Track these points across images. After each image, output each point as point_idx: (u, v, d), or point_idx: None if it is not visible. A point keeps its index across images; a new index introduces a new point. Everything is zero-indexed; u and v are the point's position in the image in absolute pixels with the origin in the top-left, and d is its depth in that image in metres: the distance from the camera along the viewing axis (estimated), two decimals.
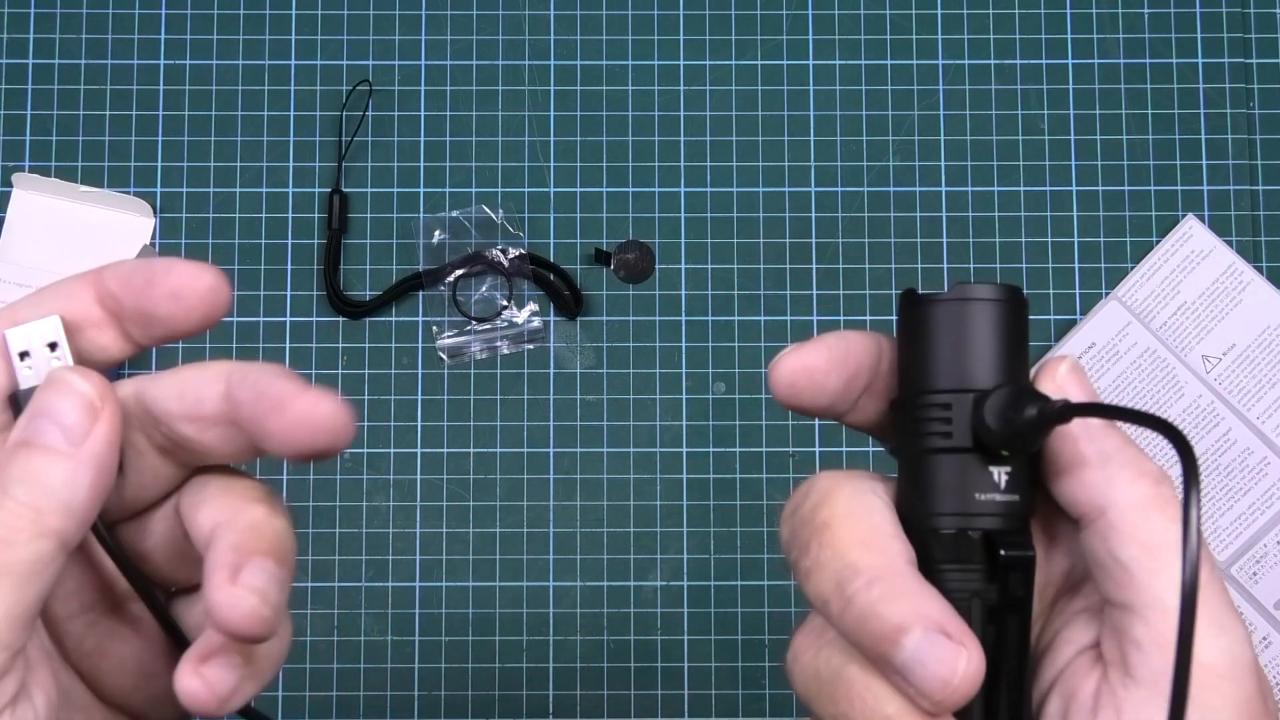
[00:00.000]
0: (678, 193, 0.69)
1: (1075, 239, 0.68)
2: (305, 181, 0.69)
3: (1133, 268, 0.68)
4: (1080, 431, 0.28)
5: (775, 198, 0.69)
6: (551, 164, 0.69)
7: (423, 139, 0.69)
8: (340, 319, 0.68)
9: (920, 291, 0.29)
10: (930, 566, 0.28)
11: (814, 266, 0.68)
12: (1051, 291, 0.68)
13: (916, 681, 0.26)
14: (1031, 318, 0.67)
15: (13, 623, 0.26)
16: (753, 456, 0.67)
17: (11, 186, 0.67)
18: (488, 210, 0.68)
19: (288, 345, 0.68)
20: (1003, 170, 0.69)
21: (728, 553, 0.66)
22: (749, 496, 0.67)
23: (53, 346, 0.29)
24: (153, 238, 0.68)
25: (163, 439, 0.29)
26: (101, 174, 0.69)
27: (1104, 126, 0.69)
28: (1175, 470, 0.26)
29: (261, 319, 0.68)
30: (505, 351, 0.68)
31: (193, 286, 0.32)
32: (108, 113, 0.69)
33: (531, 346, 0.68)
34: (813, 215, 0.69)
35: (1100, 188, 0.69)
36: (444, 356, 0.68)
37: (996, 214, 0.69)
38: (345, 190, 0.68)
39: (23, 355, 0.29)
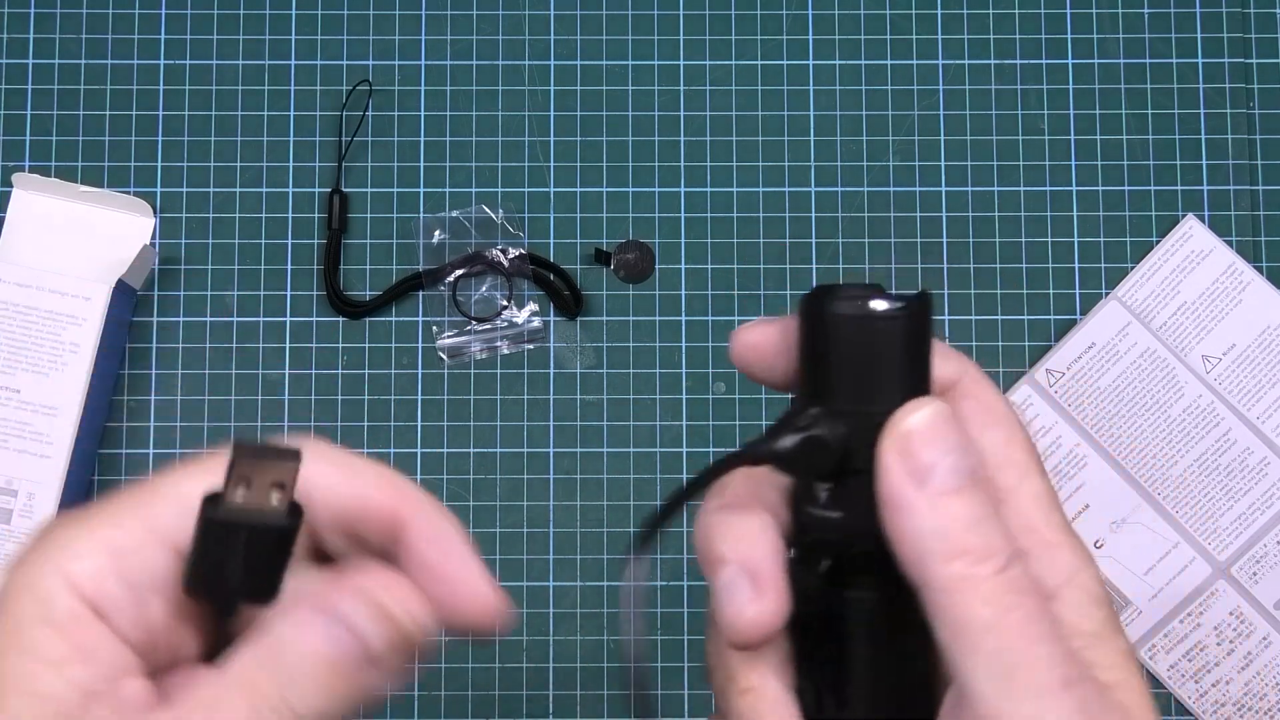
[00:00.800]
0: (678, 193, 0.69)
1: (1075, 239, 0.68)
2: (305, 181, 0.69)
3: (1133, 268, 0.68)
4: (909, 501, 0.27)
5: (775, 198, 0.69)
6: (551, 164, 0.69)
7: (423, 139, 0.69)
8: (340, 319, 0.68)
9: (817, 290, 0.29)
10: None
11: (814, 266, 0.68)
12: (1051, 291, 0.68)
13: (719, 612, 0.28)
14: (1032, 318, 0.68)
15: None
16: None
17: (11, 186, 0.67)
18: (488, 210, 0.68)
19: (288, 345, 0.68)
20: (1003, 170, 0.69)
21: None
22: None
23: (280, 487, 0.27)
24: (153, 238, 0.68)
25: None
26: (101, 174, 0.69)
27: (1104, 126, 0.69)
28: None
29: (261, 319, 0.68)
30: (505, 351, 0.68)
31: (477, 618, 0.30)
32: (108, 113, 0.69)
33: (531, 346, 0.68)
34: (813, 215, 0.69)
35: (1100, 188, 0.69)
36: (444, 356, 0.68)
37: (996, 214, 0.69)
38: (345, 190, 0.68)
39: (242, 479, 0.26)
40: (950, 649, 0.26)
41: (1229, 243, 0.68)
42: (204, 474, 0.27)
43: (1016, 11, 0.70)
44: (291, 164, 0.69)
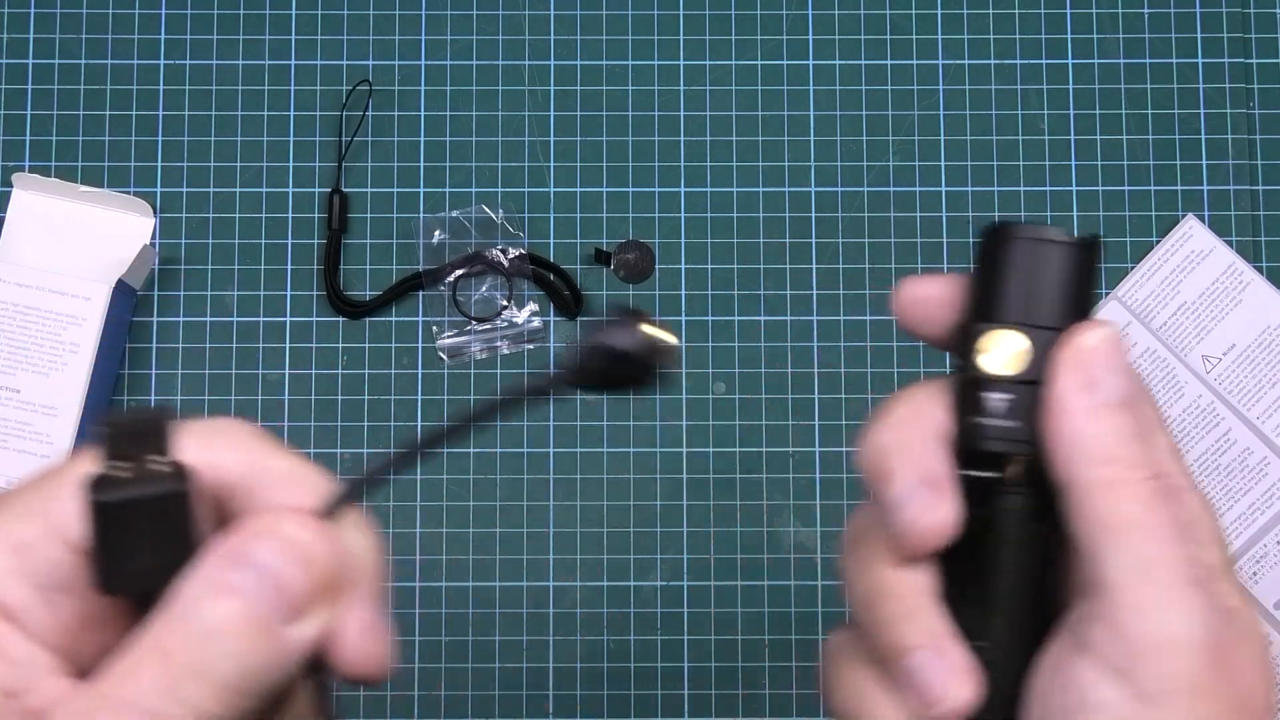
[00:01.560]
0: (678, 193, 0.69)
1: None
2: (305, 181, 0.69)
3: (1133, 268, 0.68)
4: (1074, 406, 0.28)
5: (775, 198, 0.69)
6: (551, 164, 0.69)
7: (423, 139, 0.69)
8: (340, 319, 0.68)
9: (998, 223, 0.31)
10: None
11: (814, 266, 0.68)
12: None
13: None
14: None
15: None
16: (753, 456, 0.67)
17: (11, 186, 0.67)
18: (488, 210, 0.68)
19: (288, 345, 0.68)
20: (1003, 170, 0.69)
21: (728, 553, 0.66)
22: (749, 496, 0.67)
23: (159, 452, 0.25)
24: (153, 238, 0.68)
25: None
26: (101, 174, 0.69)
27: (1104, 126, 0.69)
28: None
29: (261, 319, 0.68)
30: (505, 351, 0.68)
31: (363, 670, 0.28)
32: (108, 113, 0.69)
33: (531, 346, 0.68)
34: (813, 215, 0.69)
35: (1100, 188, 0.69)
36: (444, 356, 0.68)
37: (996, 214, 0.69)
38: (345, 190, 0.68)
39: (118, 456, 0.25)
40: (1093, 544, 0.28)
41: (1229, 243, 0.68)
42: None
43: (1016, 11, 0.70)
44: (291, 164, 0.69)
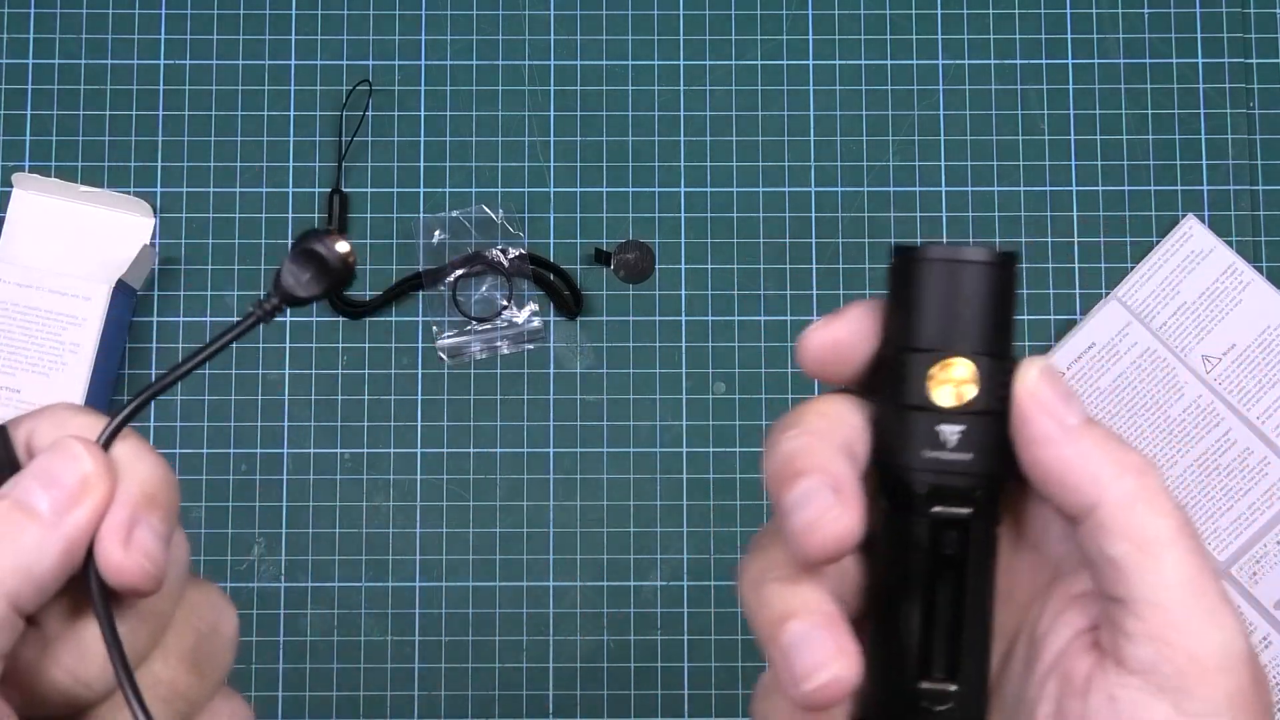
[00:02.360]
0: (678, 193, 0.69)
1: (1075, 239, 0.68)
2: (305, 181, 0.69)
3: (1133, 268, 0.68)
4: (1058, 435, 0.28)
5: (775, 198, 0.69)
6: (551, 164, 0.69)
7: (423, 139, 0.69)
8: (340, 319, 0.68)
9: (911, 246, 0.30)
10: (882, 507, 0.30)
11: (814, 266, 0.68)
12: (1051, 291, 0.68)
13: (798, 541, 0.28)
14: (1032, 318, 0.68)
15: None
16: (753, 456, 0.67)
17: (11, 186, 0.67)
18: (488, 210, 0.68)
19: (288, 345, 0.68)
20: (1003, 170, 0.69)
21: (728, 553, 0.66)
22: (749, 496, 0.67)
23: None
24: (153, 238, 0.68)
25: None
26: (101, 174, 0.69)
27: (1104, 126, 0.69)
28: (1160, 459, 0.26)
29: None
30: (505, 351, 0.68)
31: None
32: (108, 113, 0.69)
33: (531, 346, 0.68)
34: (813, 215, 0.69)
35: (1100, 188, 0.69)
36: (444, 356, 0.68)
37: (996, 214, 0.69)
38: (345, 190, 0.68)
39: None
40: (1127, 560, 0.27)
41: (1229, 243, 0.68)
42: None
43: (1016, 11, 0.70)
44: (291, 164, 0.69)
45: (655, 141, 0.69)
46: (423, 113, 0.69)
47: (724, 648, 0.66)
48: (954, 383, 0.29)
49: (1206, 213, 0.68)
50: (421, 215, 0.68)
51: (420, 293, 0.68)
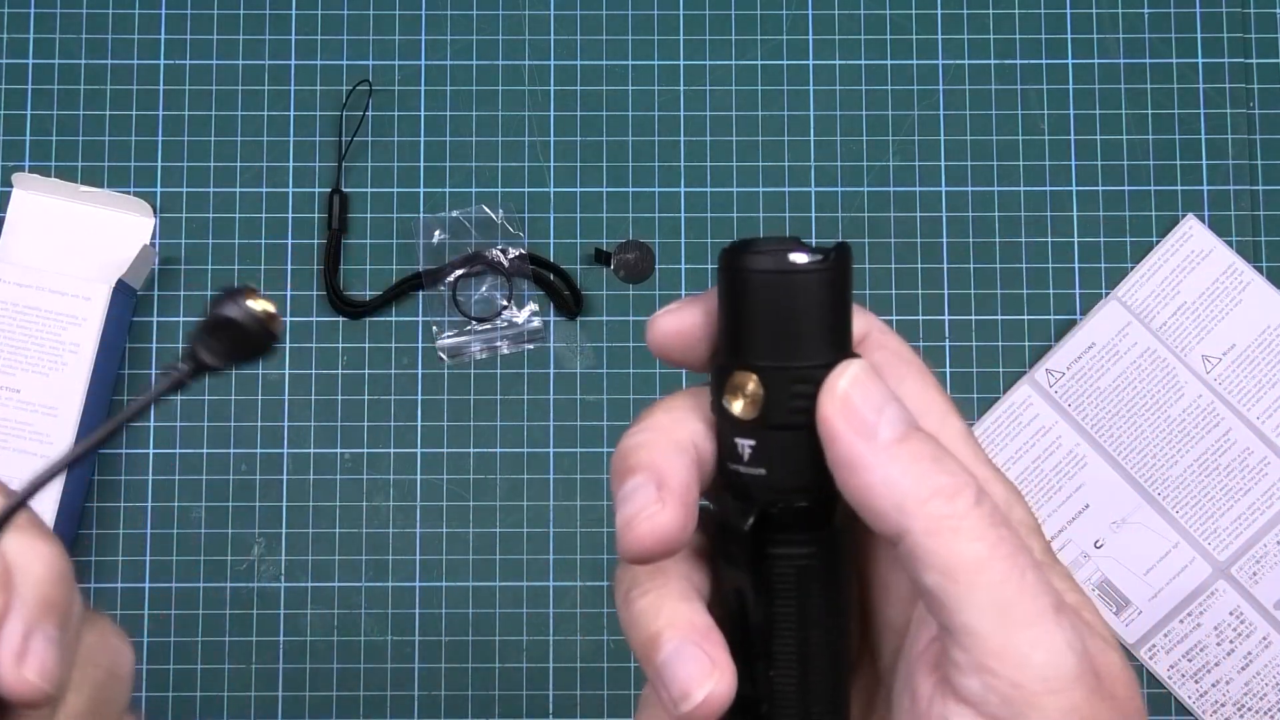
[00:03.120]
0: (678, 193, 0.69)
1: (1075, 239, 0.68)
2: (305, 181, 0.69)
3: (1133, 268, 0.68)
4: (863, 457, 0.27)
5: (775, 198, 0.69)
6: (551, 164, 0.69)
7: (423, 139, 0.69)
8: (340, 319, 0.68)
9: (734, 246, 0.28)
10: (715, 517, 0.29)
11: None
12: (1051, 291, 0.68)
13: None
14: (1032, 318, 0.68)
15: None
16: None
17: (11, 186, 0.67)
18: (488, 210, 0.68)
19: (288, 345, 0.68)
20: (1003, 170, 0.69)
21: None
22: None
23: None
24: (153, 238, 0.68)
25: None
26: (101, 174, 0.69)
27: (1104, 126, 0.69)
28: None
29: None
30: (505, 351, 0.68)
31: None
32: (108, 113, 0.69)
33: (531, 346, 0.68)
34: (813, 215, 0.69)
35: (1100, 188, 0.69)
36: (444, 356, 0.68)
37: (996, 214, 0.69)
38: (345, 190, 0.68)
39: None
40: (941, 592, 0.26)
41: (1229, 243, 0.68)
42: None
43: (1016, 11, 0.70)
44: (291, 164, 0.69)
45: (655, 141, 0.69)
46: (423, 113, 0.69)
47: None
48: (744, 395, 0.27)
49: (1206, 213, 0.69)
50: (421, 215, 0.68)
51: (420, 293, 0.68)
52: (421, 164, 0.69)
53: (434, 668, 0.66)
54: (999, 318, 0.68)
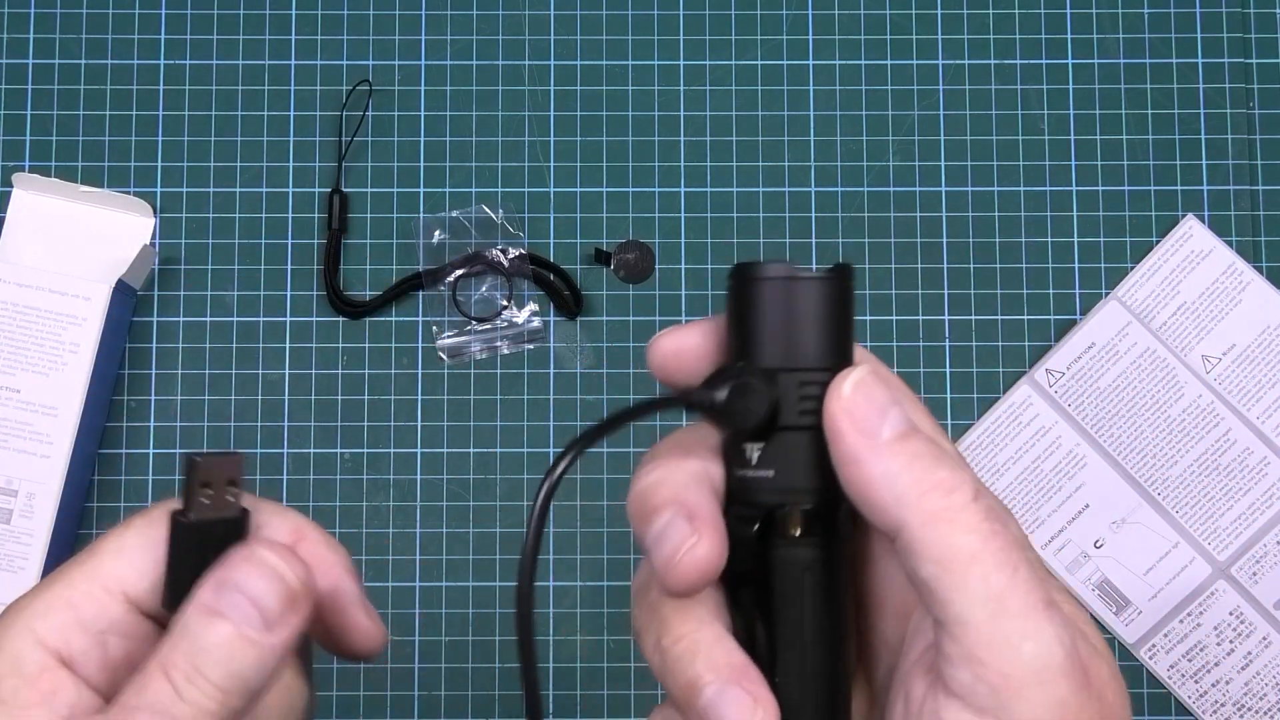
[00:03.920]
0: (678, 193, 0.69)
1: (1075, 239, 0.68)
2: (305, 181, 0.69)
3: (1133, 268, 0.68)
4: (865, 453, 0.28)
5: (775, 198, 0.69)
6: (551, 164, 0.69)
7: (423, 139, 0.69)
8: (340, 319, 0.68)
9: (742, 264, 0.30)
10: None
11: (814, 267, 0.68)
12: (1051, 291, 0.68)
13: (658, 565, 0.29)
14: (1032, 318, 0.68)
15: None
16: None
17: (11, 186, 0.67)
18: (488, 210, 0.68)
19: (288, 345, 0.68)
20: (1003, 170, 0.69)
21: None
22: None
23: (233, 483, 0.31)
24: (153, 238, 0.68)
25: None
26: (101, 174, 0.69)
27: (1104, 126, 0.69)
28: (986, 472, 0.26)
29: (261, 319, 0.68)
30: (505, 351, 0.68)
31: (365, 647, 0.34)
32: (108, 113, 0.69)
33: (531, 346, 0.68)
34: (813, 215, 0.69)
35: (1100, 188, 0.69)
36: (444, 356, 0.68)
37: (996, 214, 0.69)
38: (345, 190, 0.68)
39: (204, 484, 0.30)
40: (936, 583, 0.27)
41: (1229, 243, 0.68)
42: (136, 532, 0.31)
43: (1016, 11, 0.70)
44: (291, 164, 0.69)
45: (655, 141, 0.69)
46: (423, 113, 0.69)
47: None
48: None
49: (1206, 213, 0.69)
50: (421, 215, 0.68)
51: (420, 293, 0.68)
52: (421, 164, 0.69)
53: (434, 668, 0.66)
54: (999, 318, 0.68)
